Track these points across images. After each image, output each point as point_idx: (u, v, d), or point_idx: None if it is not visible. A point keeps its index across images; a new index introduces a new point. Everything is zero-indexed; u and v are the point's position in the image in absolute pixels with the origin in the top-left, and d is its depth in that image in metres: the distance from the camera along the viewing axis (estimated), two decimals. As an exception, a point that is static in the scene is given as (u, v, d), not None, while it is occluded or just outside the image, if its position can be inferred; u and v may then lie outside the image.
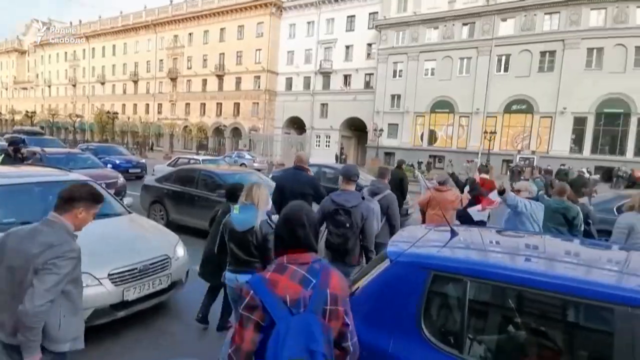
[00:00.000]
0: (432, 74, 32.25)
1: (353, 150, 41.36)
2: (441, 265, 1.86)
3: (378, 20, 34.46)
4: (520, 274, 1.68)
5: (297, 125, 42.02)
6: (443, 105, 31.97)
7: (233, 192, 3.41)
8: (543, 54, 28.00)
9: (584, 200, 5.48)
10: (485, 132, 27.44)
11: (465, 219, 5.07)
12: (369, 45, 36.33)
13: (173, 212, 7.58)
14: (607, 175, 24.36)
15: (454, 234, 2.29)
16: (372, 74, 35.89)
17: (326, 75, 39.35)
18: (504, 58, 29.40)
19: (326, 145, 39.58)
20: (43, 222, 1.86)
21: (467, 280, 1.74)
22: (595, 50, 26.23)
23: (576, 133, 27.41)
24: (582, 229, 4.50)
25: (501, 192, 3.78)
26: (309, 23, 39.99)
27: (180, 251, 4.20)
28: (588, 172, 23.64)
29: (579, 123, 27.18)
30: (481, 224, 5.20)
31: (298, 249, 1.45)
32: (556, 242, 2.62)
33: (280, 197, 3.97)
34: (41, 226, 1.84)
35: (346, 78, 38.31)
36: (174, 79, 49.67)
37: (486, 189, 5.42)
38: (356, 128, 39.20)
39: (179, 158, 15.77)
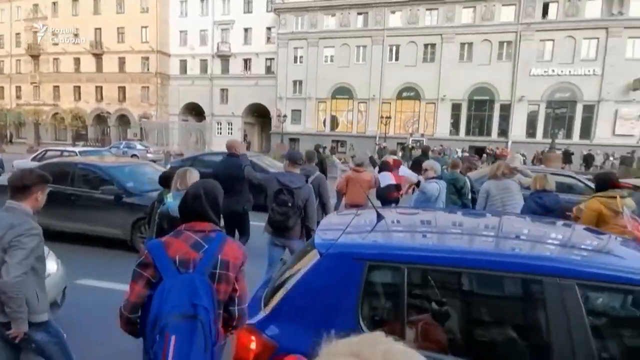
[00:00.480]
0: (332, 60, 33.11)
1: (257, 137, 40.49)
2: (376, 254, 1.71)
3: (276, 3, 33.78)
4: (456, 254, 1.62)
5: (195, 111, 39.21)
6: (343, 92, 33.20)
7: (166, 179, 3.32)
8: (426, 46, 30.98)
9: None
10: (382, 117, 29.44)
11: (383, 199, 5.32)
12: (269, 29, 35.50)
13: (41, 216, 6.18)
14: (479, 153, 28.57)
15: (380, 217, 2.17)
16: (273, 58, 35.26)
17: (225, 58, 37.33)
18: (394, 48, 31.68)
19: (228, 132, 37.89)
20: (3, 209, 2.06)
21: (404, 267, 1.61)
22: (466, 45, 30.03)
23: (454, 117, 31.29)
24: (470, 197, 5.15)
25: (418, 184, 4.02)
26: (202, 1, 37.16)
27: (52, 266, 3.37)
28: (463, 152, 27.43)
29: (456, 109, 31.04)
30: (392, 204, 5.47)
31: (196, 219, 1.60)
32: (477, 218, 2.70)
33: None
34: (2, 212, 2.05)
35: (246, 62, 36.93)
36: (35, 57, 41.44)
37: (395, 166, 5.87)
38: (259, 114, 38.34)
39: (47, 150, 13.20)
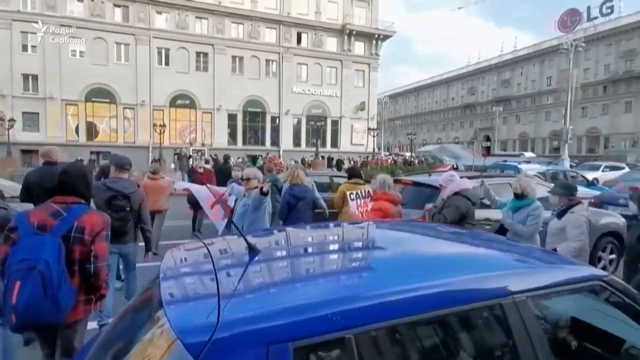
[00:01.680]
0: (82, 55, 27.16)
1: (-39, 149, 28.21)
2: (303, 325, 0.98)
3: (-16, -34, 24.64)
4: (412, 293, 1.12)
5: None
6: (102, 94, 27.83)
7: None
8: (198, 54, 30.22)
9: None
10: (155, 125, 26.46)
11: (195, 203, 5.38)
12: (-28, -2, 25.42)
13: None
14: (254, 161, 30.30)
15: (253, 251, 1.45)
16: (-16, 40, 25.53)
17: None
18: (164, 51, 29.25)
19: None
20: None
21: (350, 336, 0.99)
22: (238, 58, 31.27)
23: (231, 127, 31.95)
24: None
25: (266, 193, 3.52)
26: None
27: None
28: (244, 160, 28.41)
29: (232, 119, 31.81)
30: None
31: (61, 194, 1.97)
32: (395, 233, 2.15)
33: (27, 195, 3.97)
34: None
35: None
36: None
37: (205, 177, 5.23)
38: (-37, 117, 26.85)
39: None
